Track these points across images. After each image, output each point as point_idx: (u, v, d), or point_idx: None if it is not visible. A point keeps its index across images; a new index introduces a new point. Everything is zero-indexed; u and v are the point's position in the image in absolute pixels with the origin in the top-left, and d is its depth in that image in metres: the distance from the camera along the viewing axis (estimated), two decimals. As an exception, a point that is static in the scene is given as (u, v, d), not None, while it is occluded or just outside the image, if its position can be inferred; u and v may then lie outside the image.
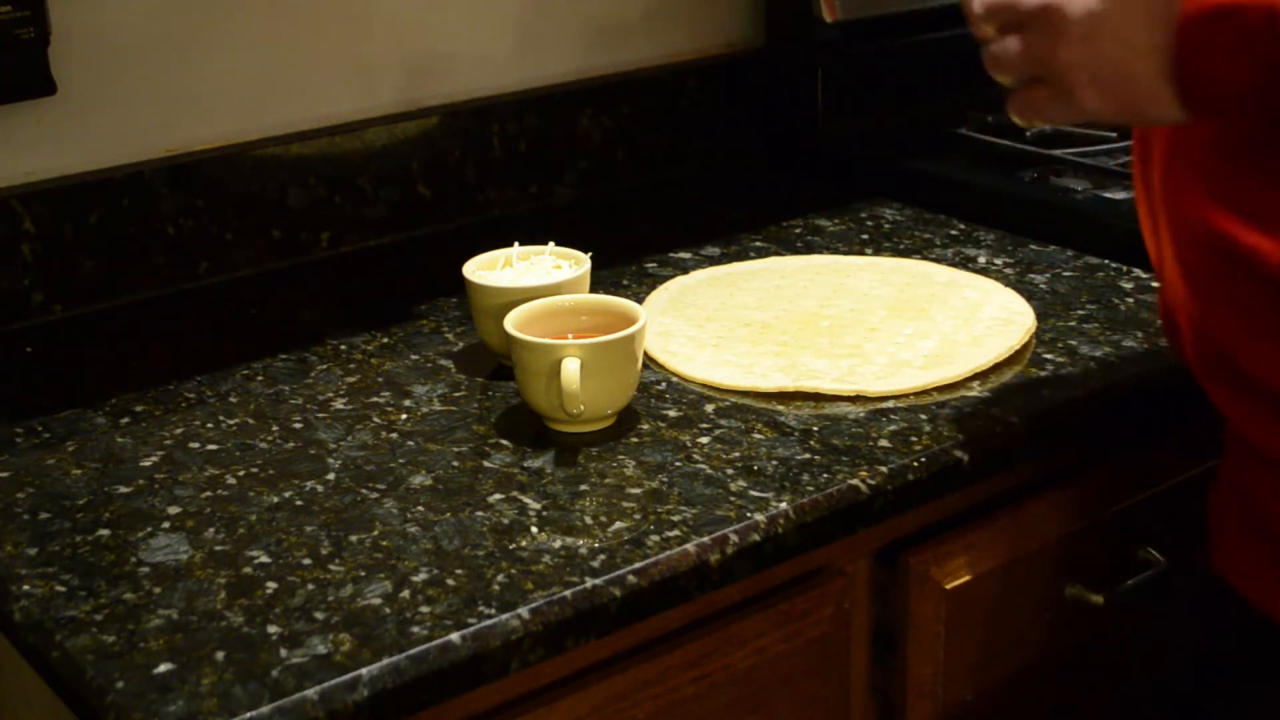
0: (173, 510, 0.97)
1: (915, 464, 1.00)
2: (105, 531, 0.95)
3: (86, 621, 0.85)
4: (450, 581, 0.88)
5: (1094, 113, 0.89)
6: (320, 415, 1.09)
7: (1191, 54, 0.83)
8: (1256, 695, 1.02)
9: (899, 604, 1.05)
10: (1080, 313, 1.21)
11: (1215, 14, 0.81)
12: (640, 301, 1.22)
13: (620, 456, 1.01)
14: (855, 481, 0.98)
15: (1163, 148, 0.95)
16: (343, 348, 1.21)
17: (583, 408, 1.01)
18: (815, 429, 1.04)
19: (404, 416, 1.08)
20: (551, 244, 1.19)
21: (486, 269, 1.17)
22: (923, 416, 1.05)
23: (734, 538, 0.92)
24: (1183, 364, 1.02)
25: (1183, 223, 0.94)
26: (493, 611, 0.85)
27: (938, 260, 1.33)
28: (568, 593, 0.86)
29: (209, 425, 1.09)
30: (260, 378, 1.16)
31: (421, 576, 0.88)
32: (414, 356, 1.19)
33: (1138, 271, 1.29)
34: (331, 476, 1.00)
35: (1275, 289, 0.88)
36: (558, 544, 0.91)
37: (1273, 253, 0.87)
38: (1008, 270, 1.31)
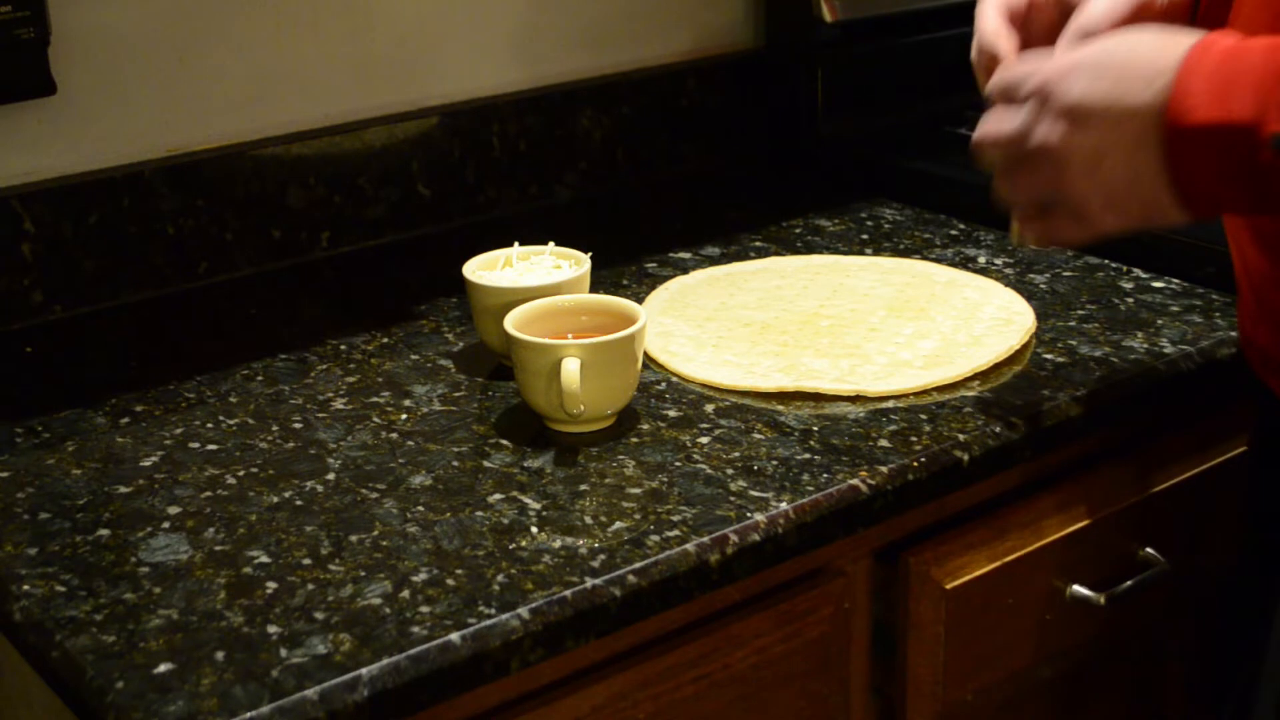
0: (173, 510, 0.97)
1: (915, 464, 1.00)
2: (105, 531, 0.95)
3: (86, 621, 0.85)
4: (450, 581, 0.88)
5: (1112, 230, 0.92)
6: (320, 415, 1.09)
7: (1181, 175, 0.86)
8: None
9: (899, 604, 1.05)
10: (1080, 313, 1.21)
11: (1196, 133, 0.84)
12: (640, 301, 1.22)
13: (620, 456, 1.01)
14: (855, 481, 0.98)
15: None
16: (343, 348, 1.21)
17: (583, 408, 1.01)
18: (815, 429, 1.04)
19: (404, 416, 1.08)
20: (551, 244, 1.19)
21: (486, 269, 1.17)
22: (923, 416, 1.05)
23: (734, 538, 0.92)
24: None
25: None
26: (493, 611, 0.85)
27: (938, 260, 1.33)
28: (568, 593, 0.86)
29: (209, 425, 1.09)
30: (260, 378, 1.16)
31: (421, 576, 0.88)
32: (414, 356, 1.19)
33: (1138, 271, 1.29)
34: (331, 476, 1.00)
35: None
36: (558, 544, 0.91)
37: None
38: (1008, 270, 1.31)
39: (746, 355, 1.15)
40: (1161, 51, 0.86)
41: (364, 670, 0.80)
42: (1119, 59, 0.88)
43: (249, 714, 0.77)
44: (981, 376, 1.11)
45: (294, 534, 0.93)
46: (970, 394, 1.08)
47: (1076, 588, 1.12)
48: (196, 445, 1.06)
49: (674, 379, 1.12)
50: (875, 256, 1.35)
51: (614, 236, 1.42)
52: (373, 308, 1.29)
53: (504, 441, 1.04)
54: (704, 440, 1.03)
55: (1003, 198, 0.96)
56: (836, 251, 1.37)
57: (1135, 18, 0.97)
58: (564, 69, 1.57)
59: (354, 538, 0.93)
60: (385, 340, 1.22)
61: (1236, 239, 0.99)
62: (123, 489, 1.00)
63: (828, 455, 1.00)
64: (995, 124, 0.93)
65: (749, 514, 0.94)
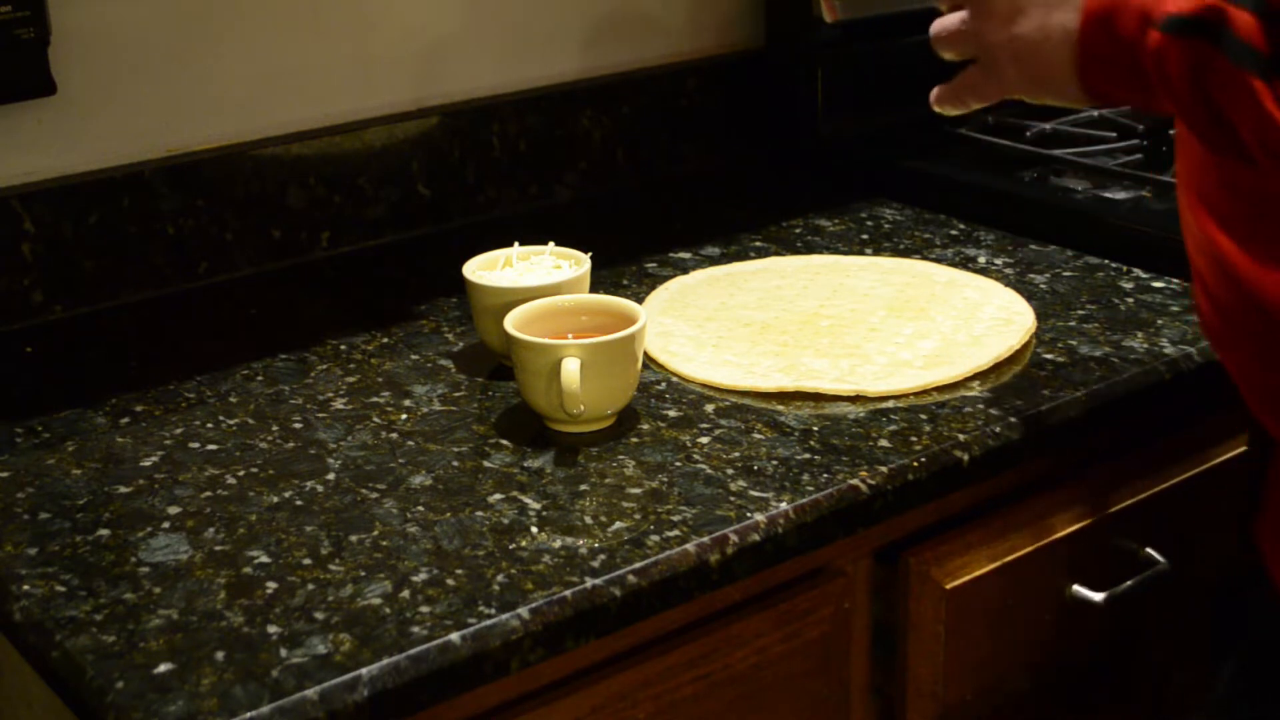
0: (173, 510, 0.97)
1: (915, 464, 1.00)
2: (105, 531, 0.95)
3: (86, 621, 0.85)
4: (450, 581, 0.88)
5: (1013, 88, 0.99)
6: (320, 415, 1.09)
7: (1086, 50, 0.91)
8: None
9: (899, 604, 1.05)
10: (1080, 313, 1.21)
11: (1104, 14, 0.88)
12: (640, 301, 1.22)
13: (620, 456, 1.01)
14: (855, 481, 0.98)
15: (1179, 161, 0.96)
16: (343, 348, 1.21)
17: (583, 408, 1.01)
18: (815, 429, 1.04)
19: (404, 416, 1.08)
20: (551, 244, 1.19)
21: (486, 269, 1.17)
22: (923, 416, 1.05)
23: (734, 538, 0.92)
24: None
25: (1191, 233, 0.95)
26: (493, 611, 0.85)
27: (938, 260, 1.33)
28: (568, 593, 0.86)
29: (209, 425, 1.09)
30: (260, 378, 1.16)
31: (421, 576, 0.88)
32: (414, 356, 1.19)
33: (1138, 271, 1.29)
34: (331, 476, 1.00)
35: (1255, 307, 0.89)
36: (558, 544, 0.91)
37: (1241, 263, 0.88)
38: (1008, 270, 1.31)
39: (746, 355, 1.15)
40: None
41: (364, 670, 0.80)
42: None
43: (249, 714, 0.77)
44: (981, 376, 1.11)
45: (294, 534, 0.93)
46: (970, 394, 1.08)
47: (1076, 588, 1.12)
48: (196, 445, 1.06)
49: (674, 379, 1.12)
50: (875, 256, 1.35)
51: (614, 236, 1.42)
52: (373, 308, 1.29)
53: (504, 441, 1.04)
54: (704, 440, 1.03)
55: (934, 41, 1.02)
56: (836, 251, 1.37)
57: None
58: (564, 69, 1.57)
59: (354, 538, 0.93)
60: (385, 340, 1.22)
61: (1193, 218, 1.00)
62: (123, 489, 1.00)
63: (828, 455, 1.00)
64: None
65: (749, 514, 0.94)
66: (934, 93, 1.05)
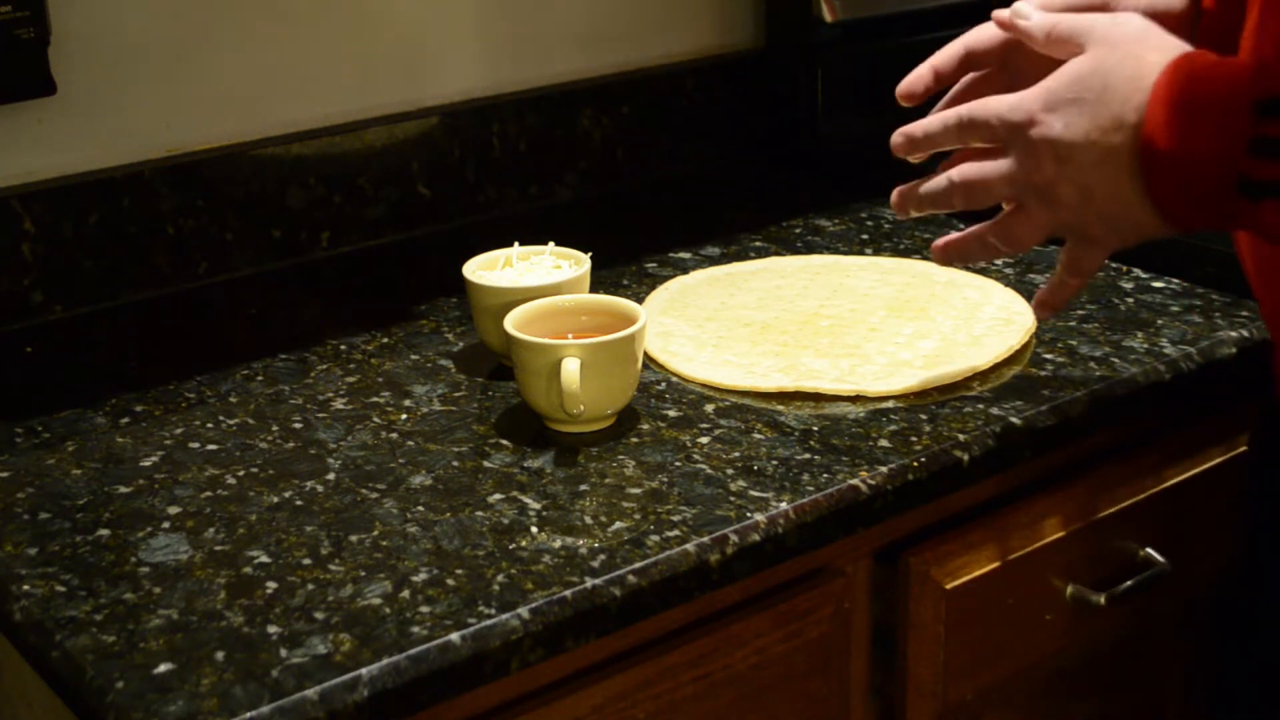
0: (173, 510, 0.97)
1: (915, 464, 1.00)
2: (105, 531, 0.95)
3: (86, 621, 0.85)
4: (450, 581, 0.88)
5: (1120, 246, 0.94)
6: (320, 415, 1.09)
7: (1159, 202, 0.87)
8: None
9: (899, 604, 1.05)
10: (1080, 313, 1.21)
11: (1164, 167, 0.85)
12: (640, 301, 1.22)
13: (620, 456, 1.01)
14: (855, 481, 0.98)
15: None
16: (343, 348, 1.21)
17: (583, 408, 1.01)
18: (815, 429, 1.04)
19: (404, 416, 1.08)
20: (551, 244, 1.19)
21: (486, 269, 1.17)
22: (923, 416, 1.05)
23: (734, 538, 0.92)
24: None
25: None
26: (493, 611, 0.85)
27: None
28: (568, 593, 0.86)
29: (209, 425, 1.09)
30: (260, 378, 1.16)
31: (421, 576, 0.88)
32: (414, 356, 1.19)
33: (1138, 271, 1.29)
34: (331, 476, 1.00)
35: None
36: (558, 544, 0.91)
37: None
38: (1008, 270, 1.31)
39: (746, 355, 1.15)
40: (1134, 82, 0.86)
41: (364, 670, 0.80)
42: (1093, 93, 0.88)
43: (249, 714, 0.77)
44: (981, 376, 1.11)
45: (294, 534, 0.93)
46: (970, 394, 1.08)
47: (1076, 588, 1.12)
48: (196, 445, 1.06)
49: (674, 379, 1.12)
50: (875, 256, 1.35)
51: (614, 236, 1.42)
52: (373, 308, 1.29)
53: (504, 441, 1.04)
54: (704, 440, 1.03)
55: (1006, 247, 0.97)
56: (836, 251, 1.37)
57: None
58: (564, 69, 1.57)
59: (354, 538, 0.93)
60: (385, 340, 1.22)
61: (1251, 254, 1.00)
62: (123, 489, 1.00)
63: (828, 455, 1.00)
64: (979, 167, 0.95)
65: (749, 514, 0.94)
66: (1039, 302, 1.01)
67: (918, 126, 0.99)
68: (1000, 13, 0.99)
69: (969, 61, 1.03)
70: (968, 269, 1.30)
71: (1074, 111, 0.89)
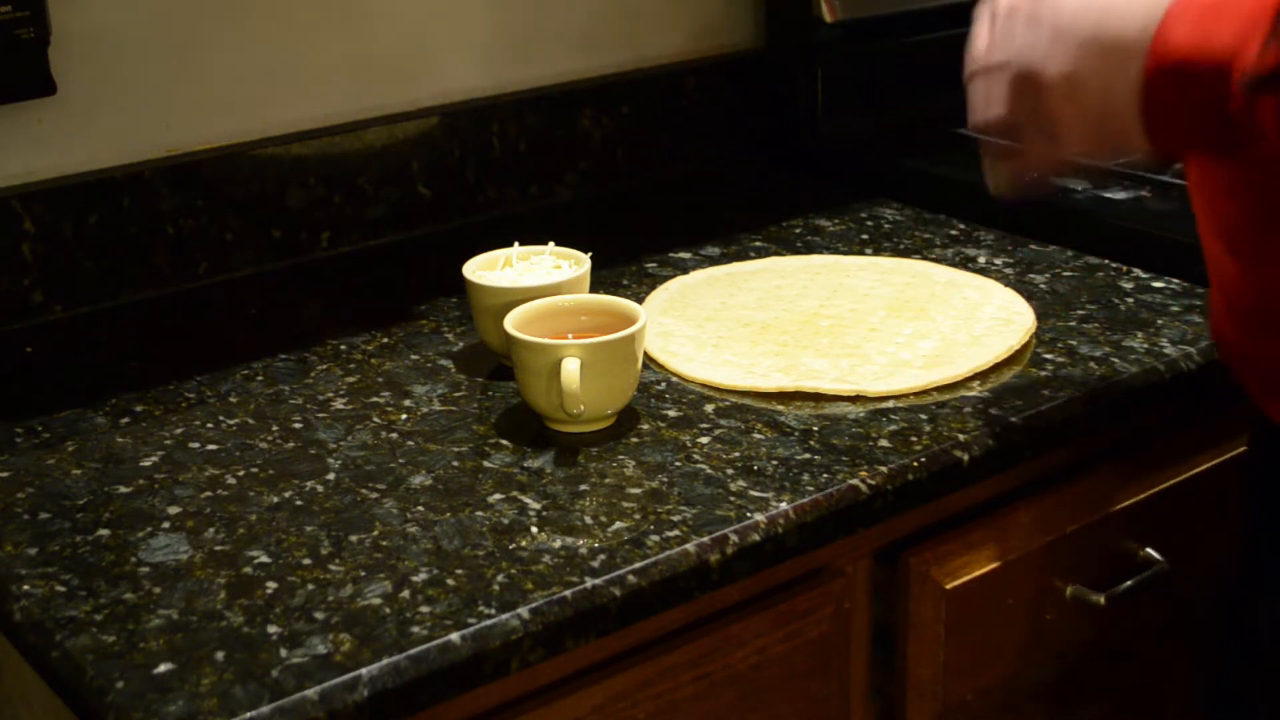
0: (173, 510, 0.97)
1: (915, 464, 1.00)
2: (105, 531, 0.95)
3: (86, 621, 0.85)
4: (450, 581, 0.88)
5: (1078, 155, 0.94)
6: (320, 415, 1.09)
7: (1152, 106, 0.87)
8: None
9: (899, 604, 1.05)
10: (1080, 313, 1.21)
11: (1173, 65, 0.85)
12: (640, 301, 1.22)
13: (620, 456, 1.01)
14: (855, 481, 0.98)
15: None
16: (343, 348, 1.21)
17: (583, 408, 1.01)
18: (815, 429, 1.04)
19: (404, 416, 1.08)
20: (551, 244, 1.19)
21: (486, 269, 1.17)
22: (923, 416, 1.05)
23: (734, 538, 0.92)
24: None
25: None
26: (493, 611, 0.85)
27: (938, 260, 1.33)
28: (568, 593, 0.86)
29: (209, 425, 1.09)
30: (260, 378, 1.16)
31: (421, 576, 0.88)
32: (414, 356, 1.19)
33: (1138, 271, 1.29)
34: (331, 476, 1.00)
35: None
36: (558, 544, 0.91)
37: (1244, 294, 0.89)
38: (1008, 270, 1.31)
39: (746, 355, 1.15)
40: None
41: (364, 670, 0.80)
42: None
43: (249, 714, 0.77)
44: (981, 376, 1.11)
45: (294, 534, 0.93)
46: (970, 394, 1.08)
47: (1076, 588, 1.12)
48: (196, 445, 1.06)
49: (674, 379, 1.12)
50: (875, 256, 1.35)
51: (614, 236, 1.42)
52: (373, 308, 1.29)
53: (504, 441, 1.04)
54: (704, 440, 1.03)
55: (979, 116, 0.96)
56: (836, 251, 1.37)
57: None
58: (564, 69, 1.57)
59: (354, 538, 0.93)
60: (385, 340, 1.22)
61: (1206, 236, 1.00)
62: (123, 489, 1.00)
63: (828, 455, 1.00)
64: (986, 39, 0.94)
65: (749, 514, 0.94)
66: (992, 180, 1.00)
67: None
68: None
69: None
70: (966, 268, 1.30)
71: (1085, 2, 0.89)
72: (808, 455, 1.01)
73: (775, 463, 1.00)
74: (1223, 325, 0.99)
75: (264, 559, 0.91)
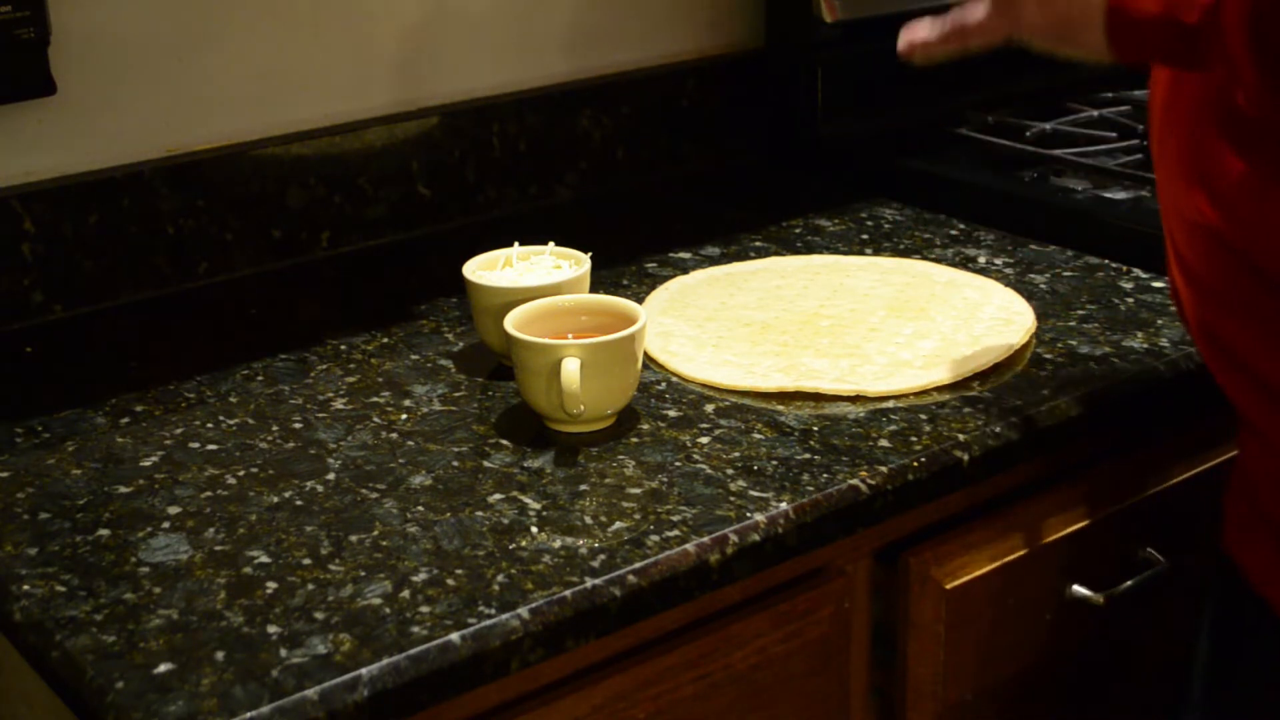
0: (173, 510, 0.97)
1: (915, 464, 1.00)
2: (105, 531, 0.95)
3: (86, 621, 0.85)
4: (450, 581, 0.88)
5: (1028, 29, 0.93)
6: (320, 415, 1.09)
7: (1116, 12, 0.87)
8: (1254, 683, 1.02)
9: (899, 604, 1.05)
10: (1080, 313, 1.21)
11: None
12: (640, 301, 1.22)
13: (620, 456, 1.01)
14: (855, 481, 0.98)
15: (1157, 133, 0.96)
16: (343, 348, 1.21)
17: (583, 408, 1.01)
18: (815, 429, 1.04)
19: (404, 416, 1.08)
20: (551, 244, 1.19)
21: (486, 269, 1.17)
22: (923, 416, 1.05)
23: (734, 538, 0.92)
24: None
25: (1172, 206, 0.95)
26: (493, 611, 0.85)
27: (938, 260, 1.33)
28: (568, 593, 0.86)
29: (209, 425, 1.09)
30: (260, 378, 1.16)
31: (421, 576, 0.88)
32: (414, 356, 1.19)
33: (1138, 271, 1.29)
34: (331, 476, 1.00)
35: (1253, 273, 0.88)
36: (558, 544, 0.91)
37: (1229, 231, 0.88)
38: (1008, 270, 1.31)
39: (746, 355, 1.15)
40: None
41: (364, 670, 0.80)
42: None
43: (249, 714, 0.77)
44: (981, 376, 1.11)
45: (294, 534, 0.93)
46: (970, 394, 1.08)
47: (1076, 588, 1.12)
48: (196, 445, 1.06)
49: (674, 379, 1.12)
50: (875, 256, 1.35)
51: (614, 236, 1.42)
52: (373, 308, 1.29)
53: (504, 441, 1.04)
54: (704, 440, 1.03)
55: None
56: (836, 251, 1.37)
57: None
58: (564, 69, 1.57)
59: (354, 538, 0.93)
60: (385, 340, 1.22)
61: (1174, 276, 1.00)
62: (123, 489, 1.00)
63: (828, 455, 1.00)
64: None
65: (749, 514, 0.94)
66: (916, 32, 0.98)
67: None
68: None
69: None
70: (966, 268, 1.30)
71: None
72: (808, 455, 1.01)
73: (775, 463, 1.00)
74: (1182, 298, 0.99)
75: (264, 559, 0.91)
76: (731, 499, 0.95)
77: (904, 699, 1.06)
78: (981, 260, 1.33)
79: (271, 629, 0.84)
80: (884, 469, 0.99)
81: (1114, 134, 1.53)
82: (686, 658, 0.95)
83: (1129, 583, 1.13)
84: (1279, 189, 0.87)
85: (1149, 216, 1.35)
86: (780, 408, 1.07)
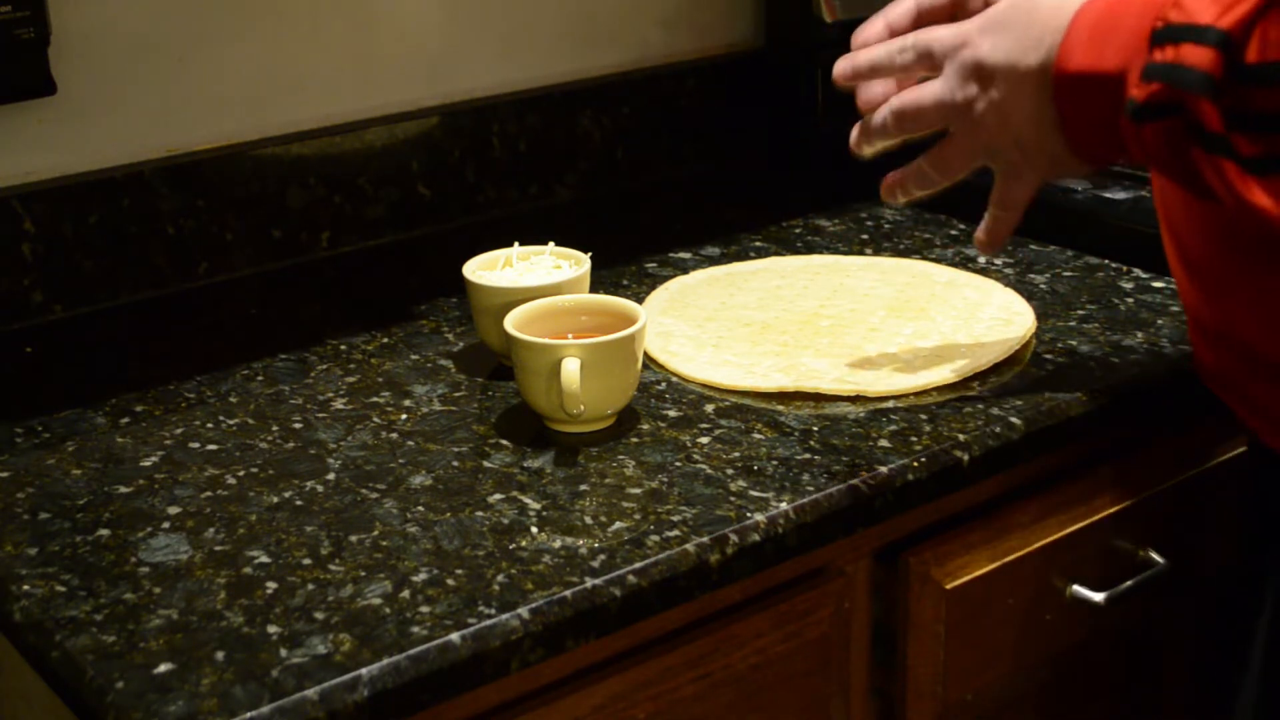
0: (173, 510, 0.97)
1: (915, 464, 1.00)
2: (105, 531, 0.95)
3: (86, 621, 0.85)
4: (450, 581, 0.88)
5: (1040, 179, 0.99)
6: (320, 415, 1.09)
7: (1067, 124, 0.91)
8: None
9: (899, 604, 1.05)
10: (1080, 313, 1.21)
11: (1072, 81, 0.89)
12: (640, 301, 1.22)
13: (620, 456, 1.01)
14: (855, 481, 0.98)
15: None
16: (343, 348, 1.21)
17: (583, 408, 1.01)
18: (815, 429, 1.04)
19: (404, 416, 1.08)
20: (551, 244, 1.19)
21: (486, 269, 1.17)
22: (923, 416, 1.05)
23: (734, 538, 0.92)
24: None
25: (1174, 190, 0.96)
26: (493, 611, 0.85)
27: (938, 260, 1.33)
28: (568, 593, 0.86)
29: (209, 425, 1.09)
30: (260, 378, 1.16)
31: (421, 576, 0.88)
32: (414, 356, 1.19)
33: (1138, 271, 1.29)
34: (331, 476, 1.00)
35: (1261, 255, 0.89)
36: (558, 544, 0.91)
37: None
38: (1008, 270, 1.31)
39: (746, 355, 1.15)
40: (1060, 8, 0.90)
41: (364, 670, 0.80)
42: (1022, 16, 0.92)
43: (249, 714, 0.77)
44: (981, 377, 1.11)
45: (294, 534, 0.93)
46: (970, 394, 1.08)
47: (1076, 588, 1.12)
48: (196, 445, 1.06)
49: (674, 379, 1.12)
50: (875, 256, 1.35)
51: (614, 236, 1.42)
52: (373, 308, 1.29)
53: (504, 441, 1.04)
54: (704, 440, 1.03)
55: (939, 175, 1.01)
56: (836, 251, 1.37)
57: None
58: (564, 69, 1.57)
59: (354, 538, 0.93)
60: (385, 340, 1.22)
61: (1174, 266, 1.00)
62: (123, 489, 1.00)
63: (828, 455, 1.00)
64: (913, 91, 0.98)
65: (749, 514, 0.94)
66: (979, 241, 1.04)
67: (863, 55, 1.02)
68: None
69: (920, 17, 1.06)
70: (966, 268, 1.30)
71: (1002, 33, 0.92)
72: (808, 455, 1.01)
73: (775, 463, 1.00)
74: (1199, 348, 1.00)
75: (264, 559, 0.91)
76: (731, 499, 0.95)
77: (904, 699, 1.06)
78: (981, 260, 1.33)
79: (271, 629, 0.84)
80: (884, 469, 0.99)
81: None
82: (686, 658, 0.95)
83: (1129, 583, 1.13)
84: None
85: (1149, 216, 1.35)
86: (780, 408, 1.07)
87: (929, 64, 0.98)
